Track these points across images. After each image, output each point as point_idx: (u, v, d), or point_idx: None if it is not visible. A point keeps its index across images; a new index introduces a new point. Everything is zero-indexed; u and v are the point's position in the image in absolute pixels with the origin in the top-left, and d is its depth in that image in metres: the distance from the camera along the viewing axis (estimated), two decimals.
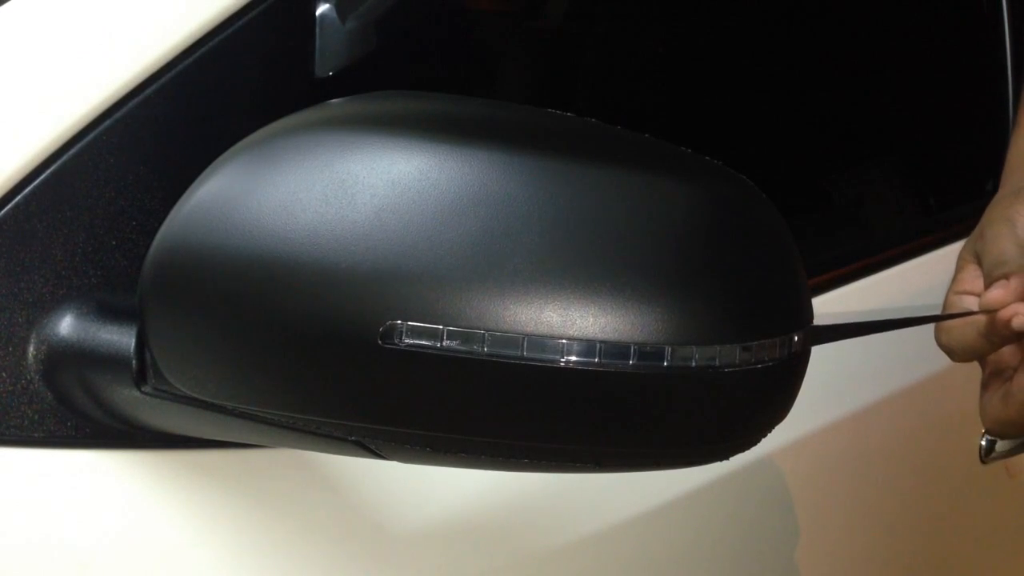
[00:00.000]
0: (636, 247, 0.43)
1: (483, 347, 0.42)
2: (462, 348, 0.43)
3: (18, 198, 0.51)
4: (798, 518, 0.87)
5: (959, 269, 0.71)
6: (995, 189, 0.80)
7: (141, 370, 0.51)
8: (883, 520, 0.97)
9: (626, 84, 0.90)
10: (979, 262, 0.69)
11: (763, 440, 0.49)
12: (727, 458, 0.49)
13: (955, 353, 0.68)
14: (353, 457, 0.50)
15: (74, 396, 0.52)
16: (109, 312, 0.52)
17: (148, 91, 0.54)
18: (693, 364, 0.44)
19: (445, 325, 0.42)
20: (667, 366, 0.43)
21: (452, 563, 0.63)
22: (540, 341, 0.43)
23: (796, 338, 0.47)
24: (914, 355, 0.96)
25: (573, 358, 0.43)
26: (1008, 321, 0.62)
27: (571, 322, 0.42)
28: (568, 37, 0.87)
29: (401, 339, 0.43)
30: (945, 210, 1.10)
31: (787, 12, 0.99)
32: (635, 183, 0.44)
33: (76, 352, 0.52)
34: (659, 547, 0.75)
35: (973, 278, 0.69)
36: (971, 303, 0.67)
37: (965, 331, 0.66)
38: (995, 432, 0.69)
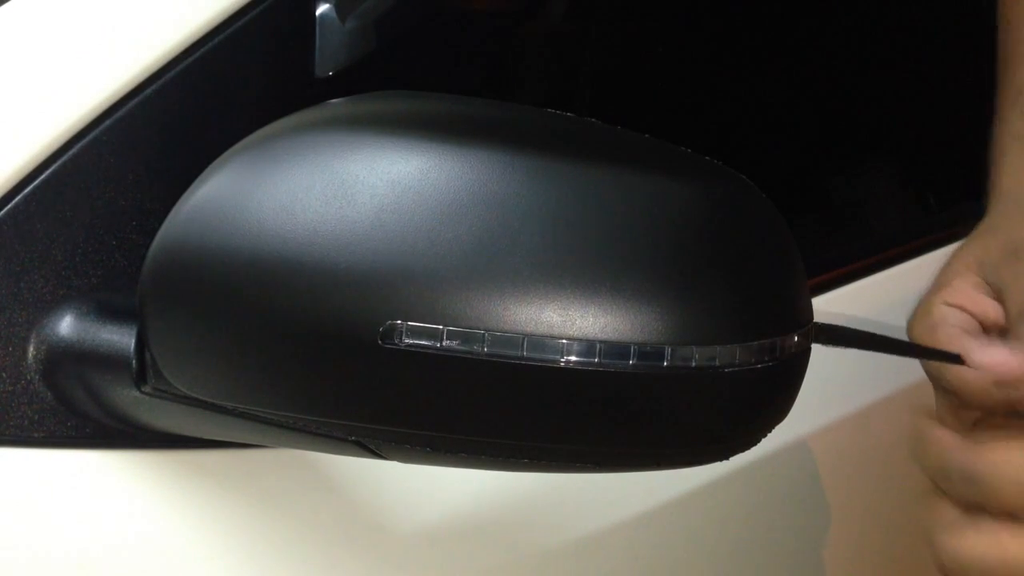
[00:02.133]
0: (636, 247, 0.43)
1: (483, 347, 0.42)
2: (462, 348, 0.43)
3: (18, 198, 0.51)
4: (798, 518, 0.87)
5: (956, 274, 0.63)
6: None
7: (141, 370, 0.51)
8: (883, 520, 0.97)
9: (626, 84, 0.90)
10: (986, 279, 0.61)
11: (763, 440, 0.49)
12: (727, 458, 0.49)
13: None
14: (353, 457, 0.50)
15: (74, 396, 0.52)
16: (109, 312, 0.52)
17: (148, 91, 0.54)
18: (693, 364, 0.44)
19: (445, 325, 0.42)
20: (667, 366, 0.43)
21: (452, 563, 0.63)
22: (540, 341, 0.43)
23: (796, 338, 0.47)
24: None
25: (573, 358, 0.43)
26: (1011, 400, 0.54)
27: (571, 322, 0.42)
28: (568, 37, 0.87)
29: (401, 339, 0.43)
30: (945, 210, 1.10)
31: (787, 12, 0.99)
32: (635, 183, 0.44)
33: (76, 352, 0.52)
34: (659, 547, 0.75)
35: (971, 291, 0.61)
36: (961, 319, 0.59)
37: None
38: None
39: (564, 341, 0.42)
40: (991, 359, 0.54)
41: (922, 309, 0.62)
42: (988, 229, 0.65)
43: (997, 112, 0.75)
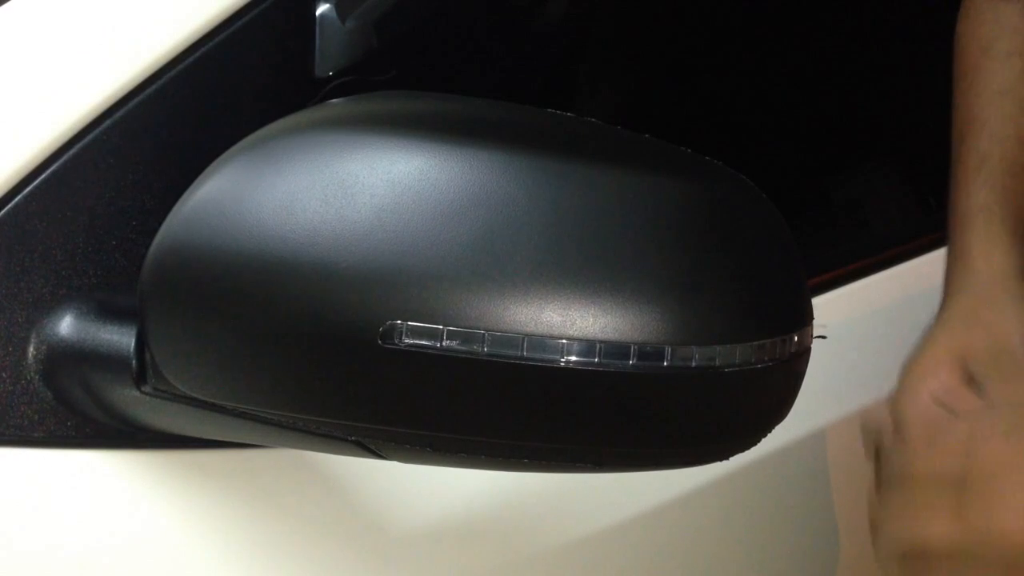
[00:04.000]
0: (636, 247, 0.43)
1: (483, 347, 0.42)
2: (462, 348, 0.43)
3: (18, 198, 0.51)
4: (798, 518, 0.87)
5: (941, 364, 0.68)
6: None
7: (141, 370, 0.51)
8: None
9: (626, 84, 0.90)
10: (971, 373, 0.66)
11: (763, 440, 0.49)
12: (727, 458, 0.49)
13: None
14: (353, 457, 0.50)
15: (74, 396, 0.52)
16: (109, 312, 0.52)
17: (148, 91, 0.54)
18: (693, 364, 0.44)
19: (445, 325, 0.42)
20: (667, 366, 0.43)
21: (452, 563, 0.63)
22: (540, 341, 0.43)
23: (796, 338, 0.47)
24: None
25: (573, 358, 0.43)
26: None
27: (571, 322, 0.42)
28: (568, 37, 0.87)
29: (401, 339, 0.43)
30: (945, 210, 1.10)
31: (787, 12, 0.99)
32: (634, 183, 0.44)
33: (76, 352, 0.52)
34: (659, 547, 0.75)
35: (961, 391, 0.66)
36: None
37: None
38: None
39: (564, 341, 0.42)
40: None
41: (911, 389, 0.67)
42: (969, 317, 0.69)
43: (955, 182, 0.78)
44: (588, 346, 0.43)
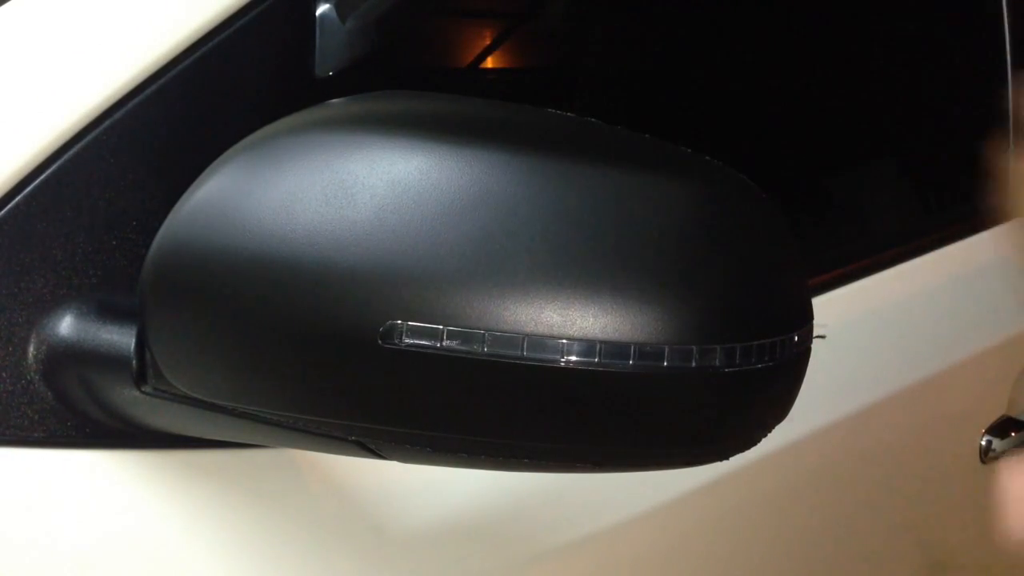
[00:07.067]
0: (636, 247, 0.43)
1: (483, 347, 0.42)
2: (462, 348, 0.43)
3: (18, 198, 0.51)
4: (798, 518, 0.87)
5: None
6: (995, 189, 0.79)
7: (141, 370, 0.51)
8: (883, 520, 0.97)
9: (626, 84, 0.90)
10: None
11: (763, 440, 0.49)
12: (727, 458, 0.49)
13: None
14: (353, 457, 0.50)
15: (74, 396, 0.52)
16: (109, 312, 0.52)
17: (148, 91, 0.54)
18: (693, 364, 0.44)
19: (445, 325, 0.42)
20: (667, 366, 0.43)
21: (452, 563, 0.63)
22: (540, 341, 0.43)
23: (796, 338, 0.47)
24: (914, 355, 0.96)
25: (573, 358, 0.43)
26: None
27: (571, 322, 0.42)
28: (568, 37, 0.87)
29: (401, 339, 0.43)
30: (945, 210, 1.10)
31: (787, 11, 0.99)
32: (635, 183, 0.44)
33: (76, 352, 0.52)
34: (659, 547, 0.76)
35: None
36: None
37: None
38: None
39: (564, 341, 0.42)
40: None
41: None
42: None
43: None
44: (588, 346, 0.43)
